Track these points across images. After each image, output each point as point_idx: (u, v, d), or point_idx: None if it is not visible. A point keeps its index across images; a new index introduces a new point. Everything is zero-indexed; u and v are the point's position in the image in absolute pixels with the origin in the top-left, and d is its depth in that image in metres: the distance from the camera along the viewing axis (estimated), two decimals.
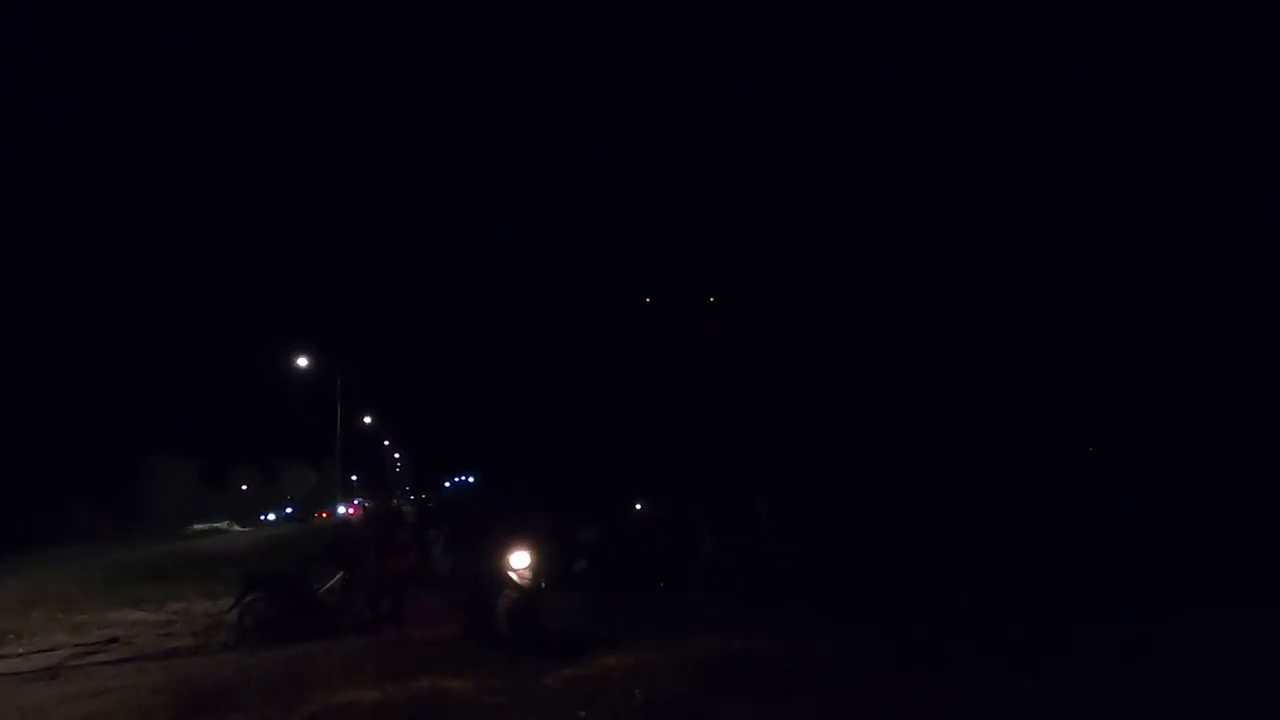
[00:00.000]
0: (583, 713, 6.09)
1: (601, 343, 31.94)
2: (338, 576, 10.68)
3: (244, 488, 79.26)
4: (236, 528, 61.01)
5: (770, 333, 25.59)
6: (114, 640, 11.18)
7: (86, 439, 52.59)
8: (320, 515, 61.60)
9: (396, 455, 70.02)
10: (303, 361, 33.01)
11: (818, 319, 24.38)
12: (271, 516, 69.29)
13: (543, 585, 9.09)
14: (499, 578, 9.03)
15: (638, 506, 16.54)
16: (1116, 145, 21.38)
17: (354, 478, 63.11)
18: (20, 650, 10.80)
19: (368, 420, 55.70)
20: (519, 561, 9.01)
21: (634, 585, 11.42)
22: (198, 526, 59.11)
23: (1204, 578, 9.80)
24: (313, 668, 8.19)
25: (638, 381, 29.16)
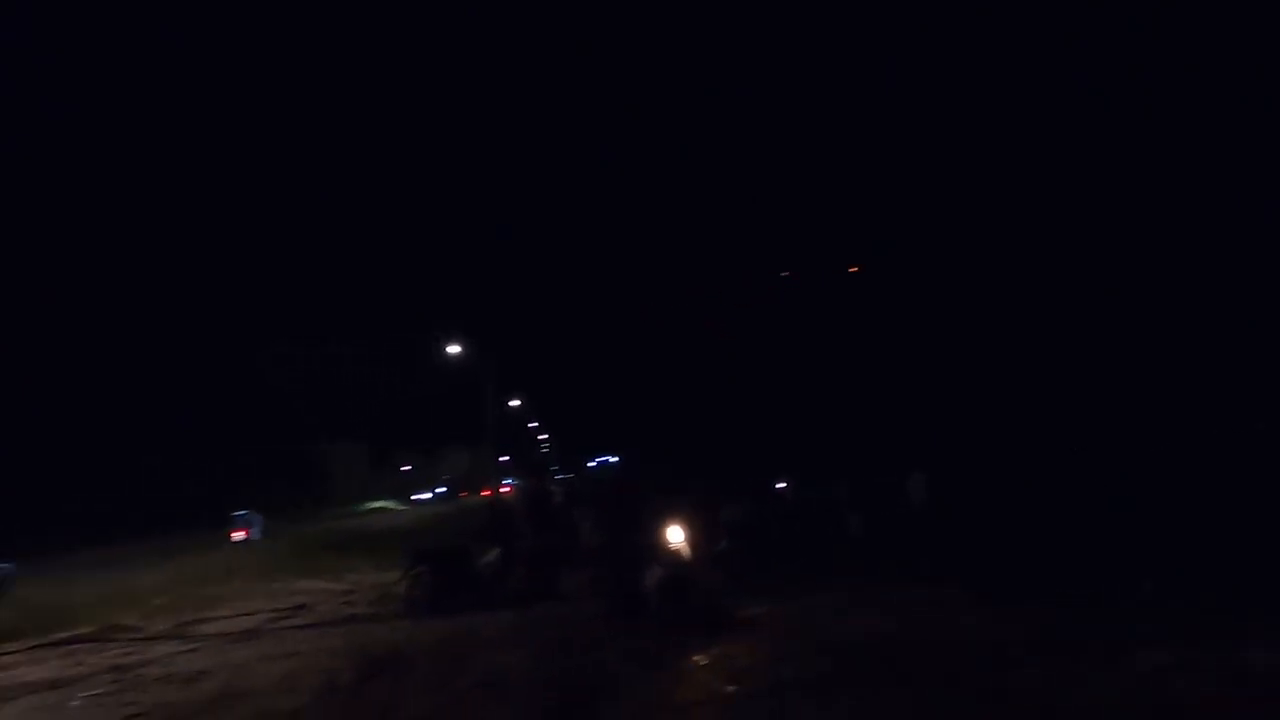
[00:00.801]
0: (732, 688, 6.14)
1: (740, 321, 31.67)
2: (494, 552, 11.27)
3: (405, 469, 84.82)
4: (397, 506, 65.44)
5: (923, 304, 24.52)
6: (301, 607, 12.33)
7: (280, 426, 59.42)
8: (463, 494, 65.04)
9: (543, 437, 72.58)
10: (455, 349, 34.78)
11: (974, 286, 23.13)
12: (425, 495, 73.33)
13: (693, 562, 9.20)
14: (647, 554, 9.22)
15: (781, 485, 16.39)
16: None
17: (503, 459, 66.02)
18: (227, 613, 12.12)
19: (516, 403, 58.02)
20: (672, 537, 9.14)
21: (779, 564, 11.34)
22: (365, 505, 63.97)
23: None
24: (473, 636, 8.72)
25: (779, 359, 28.76)
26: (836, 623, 7.90)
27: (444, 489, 75.49)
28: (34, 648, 10.29)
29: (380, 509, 61.69)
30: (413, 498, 72.80)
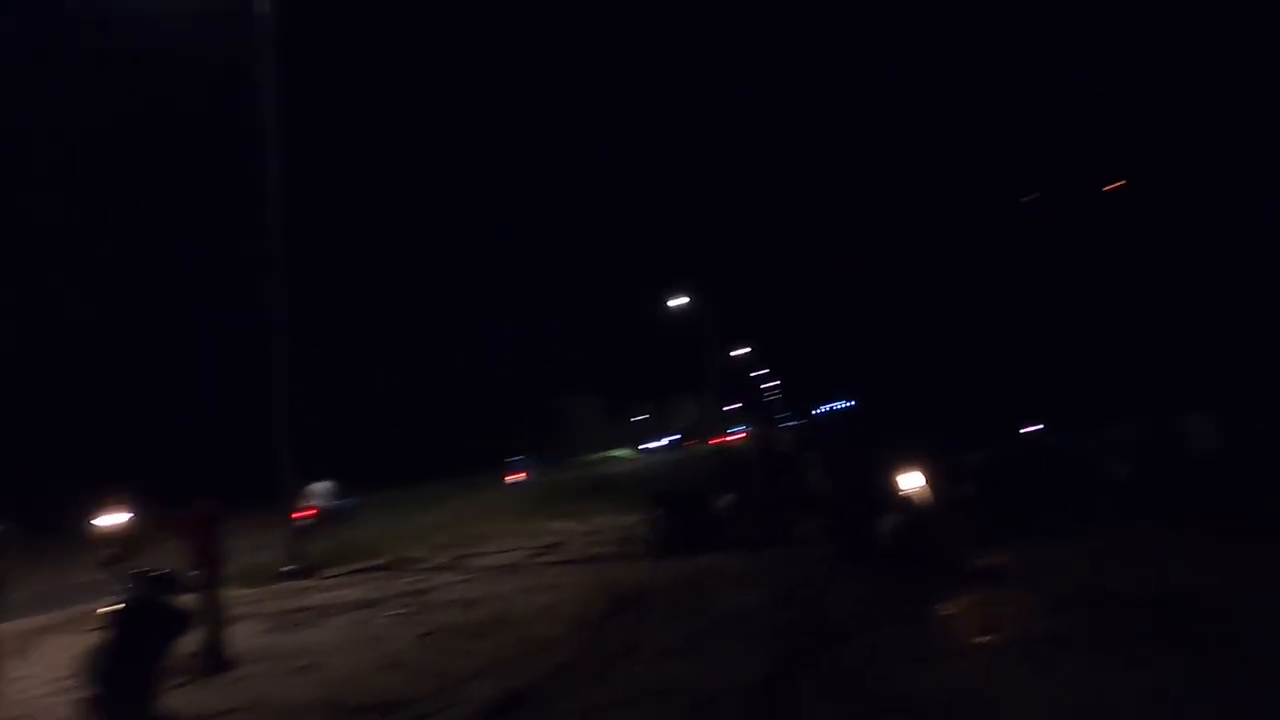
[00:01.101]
0: (979, 639, 5.93)
1: (978, 253, 29.36)
2: (728, 497, 11.59)
3: (637, 419, 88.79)
4: (630, 455, 68.76)
5: (1203, 221, 21.27)
6: (554, 545, 13.49)
7: (529, 382, 66.62)
8: (690, 443, 66.81)
9: (771, 384, 72.53)
10: (683, 301, 35.59)
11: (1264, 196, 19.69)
12: (656, 445, 76.22)
13: (931, 508, 8.88)
14: (882, 500, 9.02)
15: (1032, 429, 15.16)
16: None
17: (731, 407, 66.84)
18: (492, 549, 13.59)
19: (743, 351, 58.35)
20: (909, 483, 8.84)
21: (1029, 513, 10.60)
22: (601, 454, 67.97)
23: None
24: (712, 577, 9.09)
25: (1027, 291, 26.36)
26: (1094, 575, 7.28)
27: (674, 438, 78.15)
28: (348, 574, 12.23)
29: (615, 458, 65.15)
30: (642, 447, 76.19)
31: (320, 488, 21.46)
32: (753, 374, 67.11)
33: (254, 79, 13.23)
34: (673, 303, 37.07)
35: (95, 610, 9.33)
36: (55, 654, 8.27)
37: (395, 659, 6.97)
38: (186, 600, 6.61)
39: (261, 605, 9.97)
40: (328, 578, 12.04)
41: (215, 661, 7.16)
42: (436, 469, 44.27)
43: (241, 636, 7.90)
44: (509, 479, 37.55)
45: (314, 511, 20.78)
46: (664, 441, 77.79)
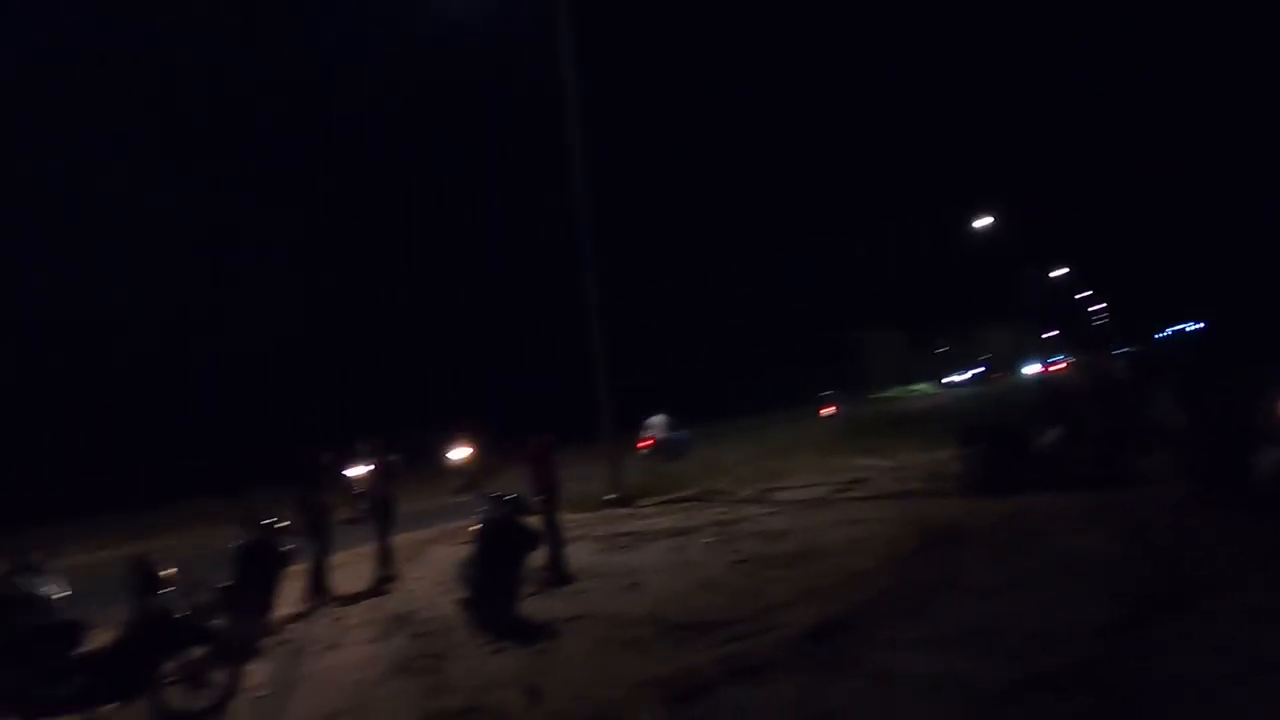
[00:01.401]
0: None
1: None
2: (1054, 432, 10.56)
3: (941, 351, 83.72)
4: (931, 390, 65.17)
5: None
6: (858, 481, 13.32)
7: (819, 318, 66.91)
8: (996, 376, 61.71)
9: (1098, 306, 64.15)
10: (990, 221, 32.54)
11: None
12: (958, 378, 71.29)
13: None
14: (1256, 433, 7.65)
15: None
16: None
17: (1049, 334, 60.33)
18: (795, 484, 13.77)
19: (1060, 272, 52.18)
20: None
21: None
22: (899, 389, 65.25)
23: None
24: (1037, 516, 8.39)
25: None
26: None
27: (979, 370, 72.68)
28: (661, 504, 13.16)
29: (915, 393, 62.28)
30: (944, 381, 71.79)
31: (657, 420, 23.08)
32: (1080, 295, 59.68)
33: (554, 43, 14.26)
34: (978, 223, 34.02)
35: (461, 528, 11.04)
36: (437, 561, 9.96)
37: (712, 583, 7.40)
38: (532, 521, 7.58)
39: (590, 529, 11.10)
40: (643, 507, 13.05)
41: (559, 575, 8.14)
42: (748, 403, 45.97)
43: (577, 555, 8.88)
44: (822, 412, 37.75)
45: (651, 442, 22.52)
46: (967, 375, 72.72)
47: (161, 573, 5.52)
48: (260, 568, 7.15)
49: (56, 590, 6.52)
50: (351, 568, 9.60)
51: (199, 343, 37.60)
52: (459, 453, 19.62)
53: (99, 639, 5.59)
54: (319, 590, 8.44)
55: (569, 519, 10.28)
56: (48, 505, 21.36)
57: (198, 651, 5.43)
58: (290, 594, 8.02)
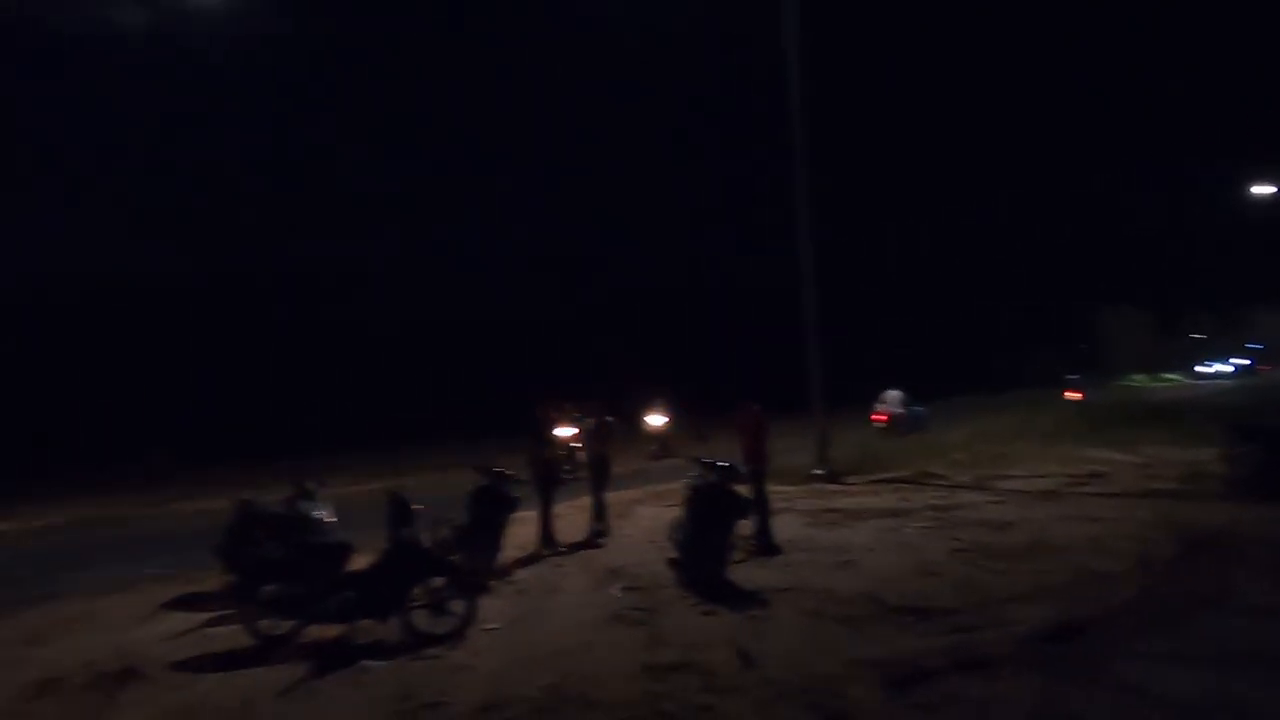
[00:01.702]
0: None
1: None
2: None
3: (1195, 337, 73.87)
4: (1179, 379, 57.81)
5: None
6: (1096, 475, 12.11)
7: (1049, 292, 61.33)
8: (1264, 369, 53.91)
9: None
10: (1267, 190, 27.91)
11: None
12: (1215, 368, 62.67)
13: None
14: None
15: None
16: None
17: None
18: (1020, 473, 12.76)
19: None
20: None
21: None
22: (1145, 377, 58.35)
23: None
24: None
25: None
26: None
27: (1243, 361, 63.42)
28: (871, 483, 12.71)
29: (1162, 381, 55.54)
30: (1196, 369, 63.37)
31: (893, 395, 22.35)
32: None
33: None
34: (1257, 189, 29.29)
35: (668, 490, 11.28)
36: (645, 520, 10.28)
37: (930, 568, 7.04)
38: (741, 489, 7.58)
39: (797, 502, 10.92)
40: (851, 484, 12.65)
41: (766, 545, 8.11)
42: (983, 381, 43.77)
43: (784, 527, 8.79)
44: (1067, 395, 34.87)
45: (886, 417, 21.87)
46: (1228, 365, 63.68)
47: (413, 508, 6.11)
48: (491, 511, 7.73)
49: (327, 515, 7.46)
50: (567, 519, 10.13)
51: (448, 310, 41.61)
52: (655, 419, 20.05)
53: (359, 561, 6.32)
54: (549, 539, 8.99)
55: (776, 490, 10.17)
56: (312, 442, 24.52)
57: (438, 581, 5.98)
58: (515, 539, 8.62)
